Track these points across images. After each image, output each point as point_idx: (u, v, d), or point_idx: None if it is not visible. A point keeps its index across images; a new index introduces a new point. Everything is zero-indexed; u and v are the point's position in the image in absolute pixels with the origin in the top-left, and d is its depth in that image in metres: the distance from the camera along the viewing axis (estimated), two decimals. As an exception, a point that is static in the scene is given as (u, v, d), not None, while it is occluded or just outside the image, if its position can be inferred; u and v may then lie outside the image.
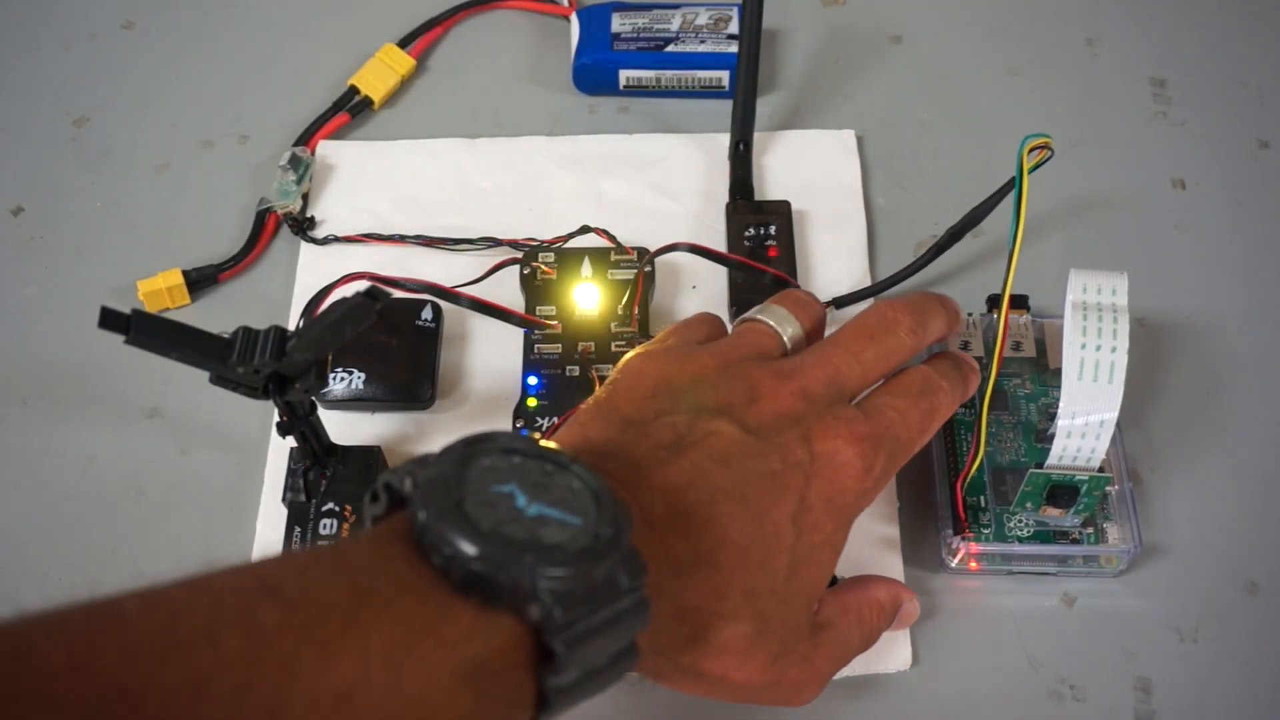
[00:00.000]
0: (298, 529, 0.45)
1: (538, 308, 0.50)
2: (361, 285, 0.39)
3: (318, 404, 0.44)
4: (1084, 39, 0.61)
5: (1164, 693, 0.43)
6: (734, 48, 0.56)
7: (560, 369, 0.49)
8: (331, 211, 0.55)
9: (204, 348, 0.39)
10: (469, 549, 0.27)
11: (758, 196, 0.55)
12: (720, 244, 0.53)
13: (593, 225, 0.52)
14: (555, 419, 0.47)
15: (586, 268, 0.51)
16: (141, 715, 0.22)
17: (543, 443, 0.31)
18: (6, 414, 0.50)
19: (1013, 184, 0.42)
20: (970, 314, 0.50)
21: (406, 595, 0.26)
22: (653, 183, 0.56)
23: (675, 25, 0.58)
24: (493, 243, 0.53)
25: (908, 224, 0.55)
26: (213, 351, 0.39)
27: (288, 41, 0.62)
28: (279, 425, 0.43)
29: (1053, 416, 0.46)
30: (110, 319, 0.37)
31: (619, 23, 0.58)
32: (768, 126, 0.57)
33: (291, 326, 0.51)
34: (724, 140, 0.56)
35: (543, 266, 0.51)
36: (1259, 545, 0.46)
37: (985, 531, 0.45)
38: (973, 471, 0.44)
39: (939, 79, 0.60)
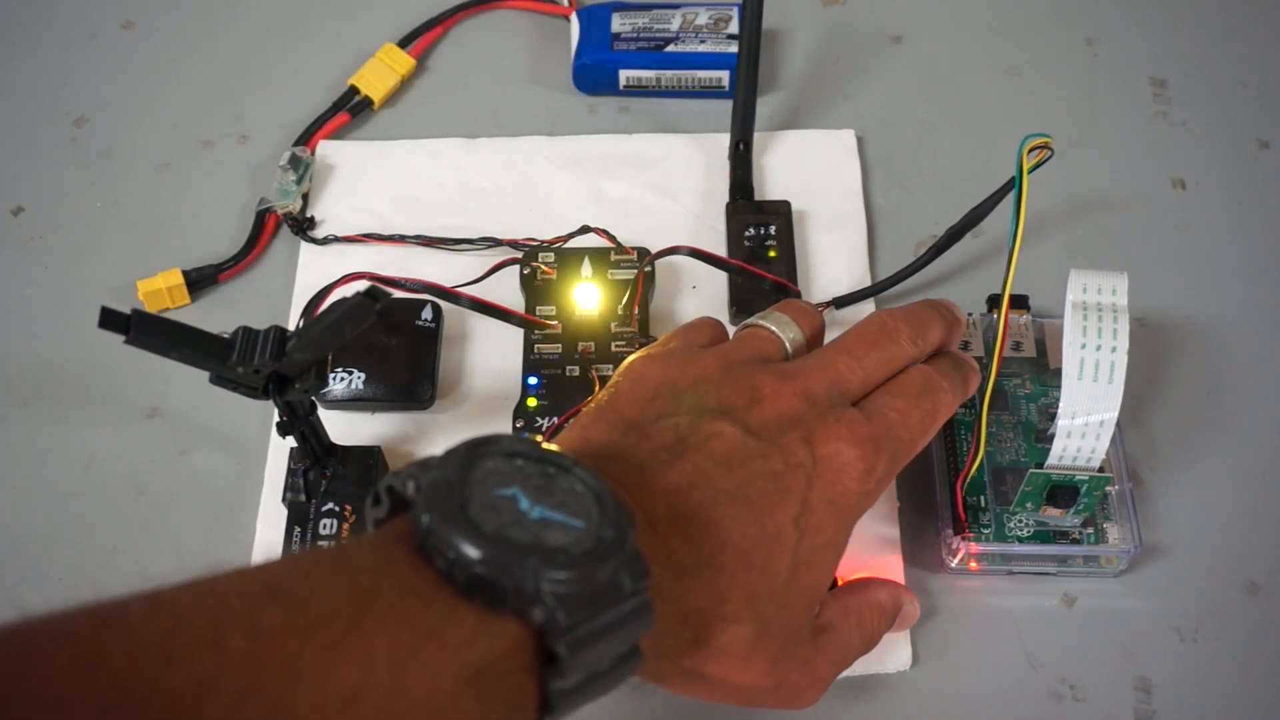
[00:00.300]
0: (298, 529, 0.45)
1: (538, 308, 0.50)
2: (361, 285, 0.39)
3: (318, 404, 0.44)
4: (1084, 39, 0.61)
5: (1164, 693, 0.43)
6: (734, 48, 0.56)
7: (560, 369, 0.49)
8: (331, 211, 0.55)
9: (204, 348, 0.39)
10: (472, 552, 0.27)
11: (758, 196, 0.55)
12: (720, 244, 0.53)
13: (593, 225, 0.52)
14: (555, 419, 0.47)
15: (586, 268, 0.51)
16: (146, 718, 0.22)
17: (545, 445, 0.31)
18: (6, 414, 0.50)
19: (1013, 184, 0.42)
20: (970, 314, 0.50)
21: (410, 598, 0.26)
22: (653, 183, 0.56)
23: (675, 25, 0.58)
24: (493, 243, 0.53)
25: (908, 224, 0.55)
26: (213, 351, 0.39)
27: (288, 41, 0.62)
28: (279, 425, 0.43)
29: (1053, 416, 0.46)
30: (110, 319, 0.37)
31: (619, 23, 0.58)
32: (768, 126, 0.57)
33: (291, 326, 0.51)
34: (724, 140, 0.56)
35: (543, 266, 0.51)
36: (1259, 545, 0.46)
37: (985, 531, 0.45)
38: (973, 471, 0.44)
39: (939, 79, 0.60)
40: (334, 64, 0.60)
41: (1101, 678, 0.44)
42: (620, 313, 0.50)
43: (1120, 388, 0.40)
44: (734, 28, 0.57)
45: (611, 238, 0.52)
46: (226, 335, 0.39)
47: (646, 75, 0.58)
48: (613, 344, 0.49)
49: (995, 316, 0.48)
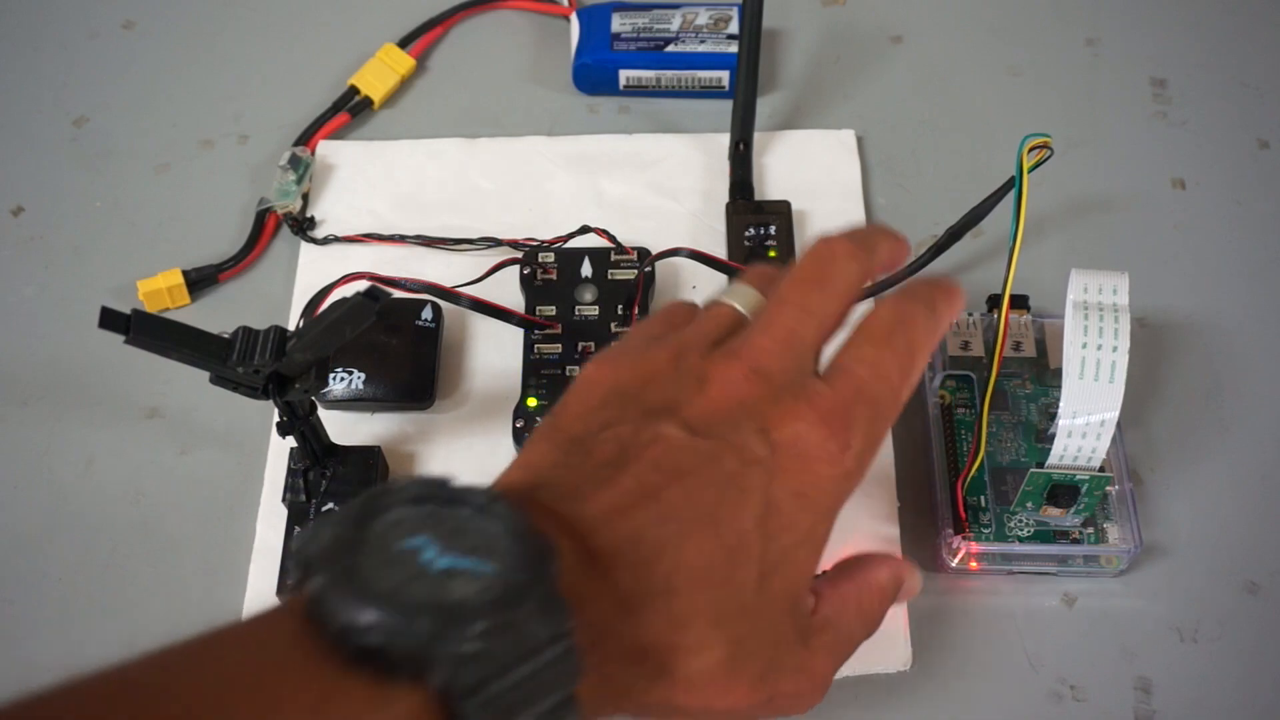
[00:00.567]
0: (297, 529, 0.45)
1: (538, 308, 0.50)
2: (361, 285, 0.39)
3: (318, 404, 0.44)
4: (1084, 39, 0.61)
5: (1164, 693, 0.43)
6: (734, 48, 0.56)
7: (560, 369, 0.49)
8: (331, 211, 0.55)
9: (204, 348, 0.39)
10: (361, 616, 0.24)
11: (758, 196, 0.55)
12: (720, 244, 0.53)
13: (593, 225, 0.52)
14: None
15: (586, 268, 0.51)
16: None
17: (458, 485, 0.28)
18: (6, 414, 0.50)
19: (1013, 184, 0.42)
20: (970, 314, 0.50)
21: (285, 677, 0.24)
22: (653, 183, 0.56)
23: (675, 25, 0.58)
24: (493, 243, 0.53)
25: (908, 224, 0.55)
26: (213, 351, 0.39)
27: (288, 41, 0.62)
28: (279, 425, 0.43)
29: (1053, 416, 0.46)
30: (110, 319, 0.37)
31: (619, 23, 0.58)
32: (768, 126, 0.57)
33: (291, 326, 0.51)
34: (724, 140, 0.56)
35: (543, 266, 0.51)
36: (1259, 545, 0.46)
37: (985, 531, 0.45)
38: (973, 471, 0.44)
39: (939, 79, 0.60)
40: (334, 64, 0.60)
41: (1101, 678, 0.44)
42: (620, 313, 0.50)
43: (1121, 387, 0.40)
44: (734, 28, 0.57)
45: (611, 238, 0.52)
46: (226, 335, 0.39)
47: (646, 75, 0.58)
48: (613, 344, 0.49)
49: (995, 316, 0.48)
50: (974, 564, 0.45)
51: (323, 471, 0.46)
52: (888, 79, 0.60)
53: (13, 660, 0.45)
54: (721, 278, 0.51)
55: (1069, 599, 0.45)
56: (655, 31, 0.58)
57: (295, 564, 0.27)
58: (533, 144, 0.57)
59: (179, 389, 0.50)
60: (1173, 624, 0.45)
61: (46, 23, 0.62)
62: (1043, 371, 0.48)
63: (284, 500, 0.46)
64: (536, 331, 0.49)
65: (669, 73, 0.58)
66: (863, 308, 0.36)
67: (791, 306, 0.34)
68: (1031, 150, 0.41)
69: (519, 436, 0.47)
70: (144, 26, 0.62)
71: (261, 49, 0.61)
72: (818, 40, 0.61)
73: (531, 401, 0.48)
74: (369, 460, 0.46)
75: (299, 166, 0.55)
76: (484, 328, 0.51)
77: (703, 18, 0.58)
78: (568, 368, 0.49)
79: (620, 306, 0.50)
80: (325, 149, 0.57)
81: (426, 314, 0.50)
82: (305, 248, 0.54)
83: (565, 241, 0.52)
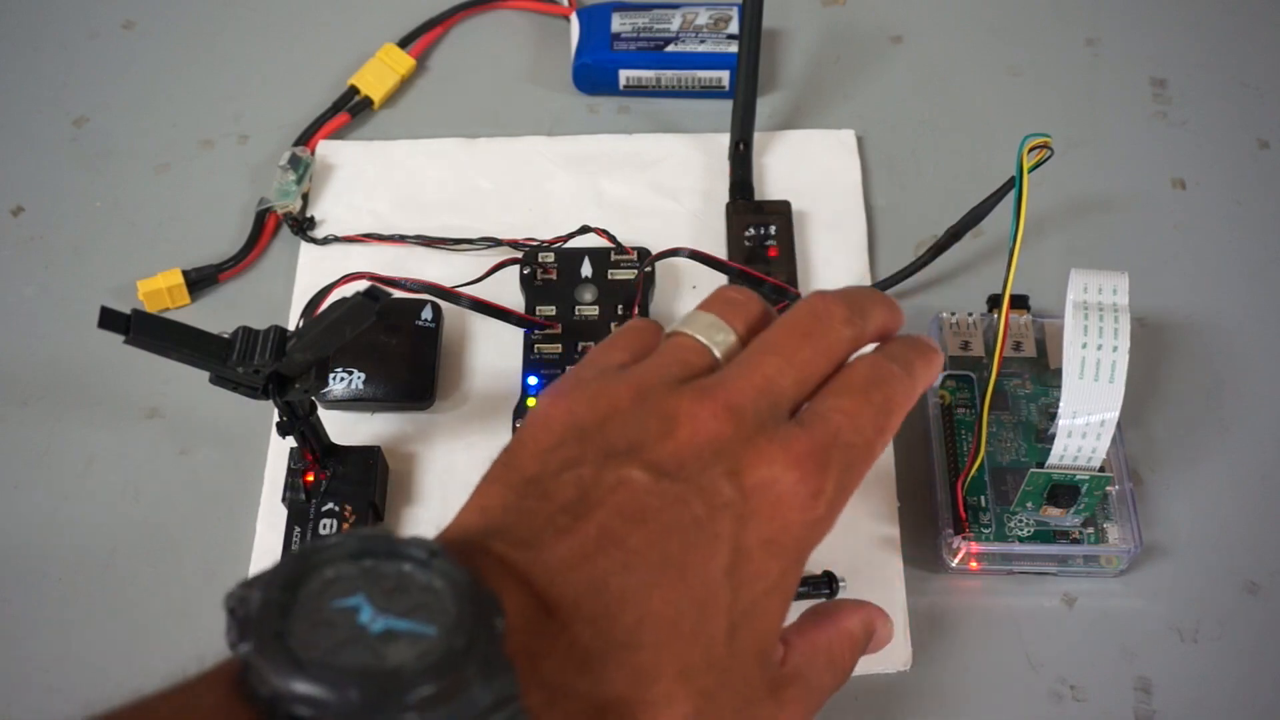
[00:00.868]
0: (297, 529, 0.45)
1: (538, 308, 0.50)
2: (361, 285, 0.39)
3: (318, 404, 0.44)
4: (1084, 39, 0.61)
5: (1164, 693, 0.43)
6: (734, 48, 0.56)
7: (560, 369, 0.49)
8: (331, 211, 0.55)
9: (204, 348, 0.39)
10: (290, 686, 0.23)
11: (758, 196, 0.55)
12: (720, 244, 0.53)
13: (593, 225, 0.52)
14: (555, 419, 0.47)
15: (586, 268, 0.51)
16: None
17: (400, 537, 0.26)
18: (6, 414, 0.50)
19: (1013, 184, 0.42)
20: (970, 314, 0.50)
21: None
22: (653, 183, 0.56)
23: (675, 25, 0.58)
24: (493, 243, 0.53)
25: (908, 224, 0.55)
26: (213, 351, 0.39)
27: (288, 41, 0.62)
28: (279, 425, 0.43)
29: (1053, 416, 0.46)
30: (110, 319, 0.37)
31: (619, 23, 0.58)
32: (768, 126, 0.57)
33: (291, 326, 0.51)
34: (724, 140, 0.56)
35: (543, 266, 0.51)
36: (1259, 545, 0.46)
37: (985, 531, 0.45)
38: (973, 471, 0.44)
39: (939, 79, 0.60)
40: (334, 64, 0.60)
41: (1101, 678, 0.44)
42: (620, 313, 0.50)
43: (1121, 387, 0.40)
44: (734, 28, 0.57)
45: (611, 238, 0.52)
46: (226, 335, 0.39)
47: (646, 75, 0.58)
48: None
49: (995, 316, 0.48)
50: (974, 564, 0.45)
51: (323, 471, 0.46)
52: (888, 79, 0.60)
53: (13, 660, 0.45)
54: (722, 277, 0.51)
55: (1069, 599, 0.45)
56: (655, 31, 0.58)
57: (229, 623, 0.26)
58: (533, 144, 0.57)
59: (179, 389, 0.50)
60: (1173, 624, 0.45)
61: (46, 23, 0.62)
62: (1043, 371, 0.48)
63: (284, 500, 0.46)
64: (536, 331, 0.49)
65: (669, 73, 0.58)
66: None
67: (776, 356, 0.33)
68: (1031, 150, 0.41)
69: (519, 436, 0.47)
70: (144, 26, 0.62)
71: (261, 49, 0.61)
72: (818, 40, 0.61)
73: (531, 402, 0.48)
74: (369, 460, 0.46)
75: (299, 166, 0.55)
76: (484, 328, 0.51)
77: (703, 18, 0.58)
78: (567, 368, 0.49)
79: (620, 306, 0.50)
80: (325, 149, 0.57)
81: (426, 314, 0.50)
82: (305, 248, 0.54)
83: (565, 241, 0.52)
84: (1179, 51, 0.60)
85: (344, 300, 0.38)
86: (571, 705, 0.27)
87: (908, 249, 0.54)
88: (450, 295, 0.48)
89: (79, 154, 0.58)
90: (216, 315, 0.52)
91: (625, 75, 0.58)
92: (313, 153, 0.57)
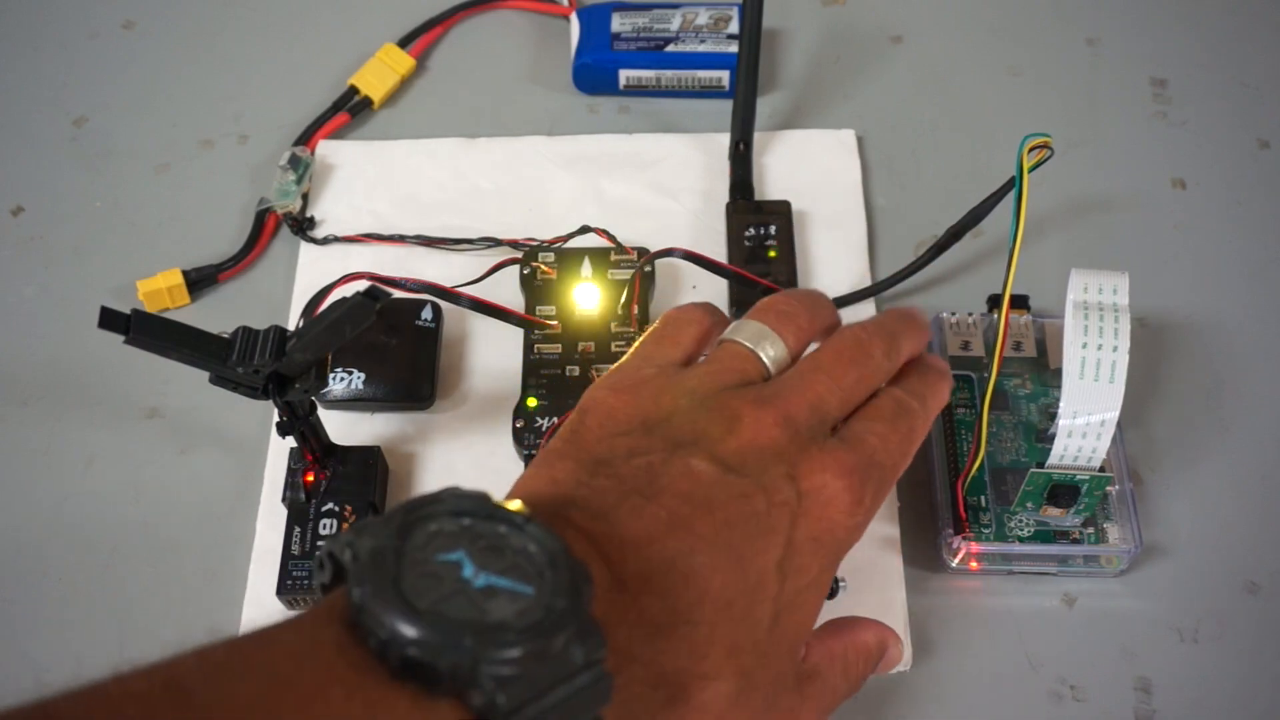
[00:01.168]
0: (298, 529, 0.45)
1: (538, 308, 0.50)
2: (361, 285, 0.39)
3: (318, 404, 0.44)
4: (1084, 39, 0.61)
5: (1164, 693, 0.43)
6: (734, 48, 0.56)
7: (560, 369, 0.49)
8: (331, 211, 0.55)
9: (204, 348, 0.39)
10: (406, 631, 0.24)
11: (758, 196, 0.55)
12: (720, 244, 0.53)
13: (593, 225, 0.52)
14: (555, 419, 0.47)
15: (586, 268, 0.51)
16: None
17: (495, 501, 0.28)
18: (6, 414, 0.50)
19: (1013, 184, 0.42)
20: (970, 314, 0.50)
21: (333, 687, 0.24)
22: (653, 183, 0.56)
23: (675, 25, 0.58)
24: (493, 243, 0.53)
25: (908, 224, 0.55)
26: (213, 351, 0.39)
27: (288, 41, 0.62)
28: (279, 425, 0.43)
29: (1053, 416, 0.46)
30: (110, 319, 0.37)
31: (619, 22, 0.58)
32: (768, 126, 0.57)
33: (291, 326, 0.51)
34: (724, 140, 0.56)
35: (543, 266, 0.51)
36: (1259, 545, 0.46)
37: (986, 531, 0.45)
38: (973, 471, 0.44)
39: (939, 79, 0.60)
40: (334, 64, 0.60)
41: (1101, 678, 0.44)
42: (620, 313, 0.50)
43: (1121, 387, 0.40)
44: (734, 28, 0.57)
45: (611, 238, 0.52)
46: (226, 335, 0.39)
47: (646, 75, 0.58)
48: (613, 344, 0.49)
49: (995, 316, 0.48)
50: (974, 564, 0.45)
51: (323, 471, 0.46)
52: (888, 79, 0.60)
53: (13, 660, 0.45)
54: (721, 279, 0.51)
55: (1069, 599, 0.45)
56: (655, 31, 0.58)
57: (326, 563, 0.28)
58: (533, 144, 0.57)
59: (179, 389, 0.50)
60: (1173, 624, 0.45)
61: (46, 23, 0.62)
62: (1043, 371, 0.48)
63: (284, 500, 0.46)
64: (536, 331, 0.49)
65: (669, 73, 0.58)
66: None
67: (826, 376, 0.36)
68: (1031, 150, 0.41)
69: (519, 437, 0.47)
70: (144, 26, 0.62)
71: (261, 49, 0.61)
72: (818, 40, 0.61)
73: (531, 401, 0.48)
74: (369, 460, 0.46)
75: (299, 166, 0.55)
76: (484, 328, 0.51)
77: (703, 18, 0.58)
78: (567, 368, 0.49)
79: (620, 306, 0.50)
80: (325, 149, 0.57)
81: (426, 314, 0.50)
82: (305, 248, 0.54)
83: (565, 241, 0.52)
84: (1179, 51, 0.60)
85: (344, 300, 0.38)
86: (636, 670, 0.30)
87: (908, 249, 0.54)
88: (450, 295, 0.48)
89: (79, 154, 0.58)
90: (216, 315, 0.52)
91: (625, 75, 0.58)
92: (313, 153, 0.57)
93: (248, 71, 0.60)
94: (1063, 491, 0.43)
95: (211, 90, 0.60)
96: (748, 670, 0.32)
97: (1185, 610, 0.45)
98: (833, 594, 0.43)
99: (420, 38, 0.61)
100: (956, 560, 0.45)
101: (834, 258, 0.53)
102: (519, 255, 0.52)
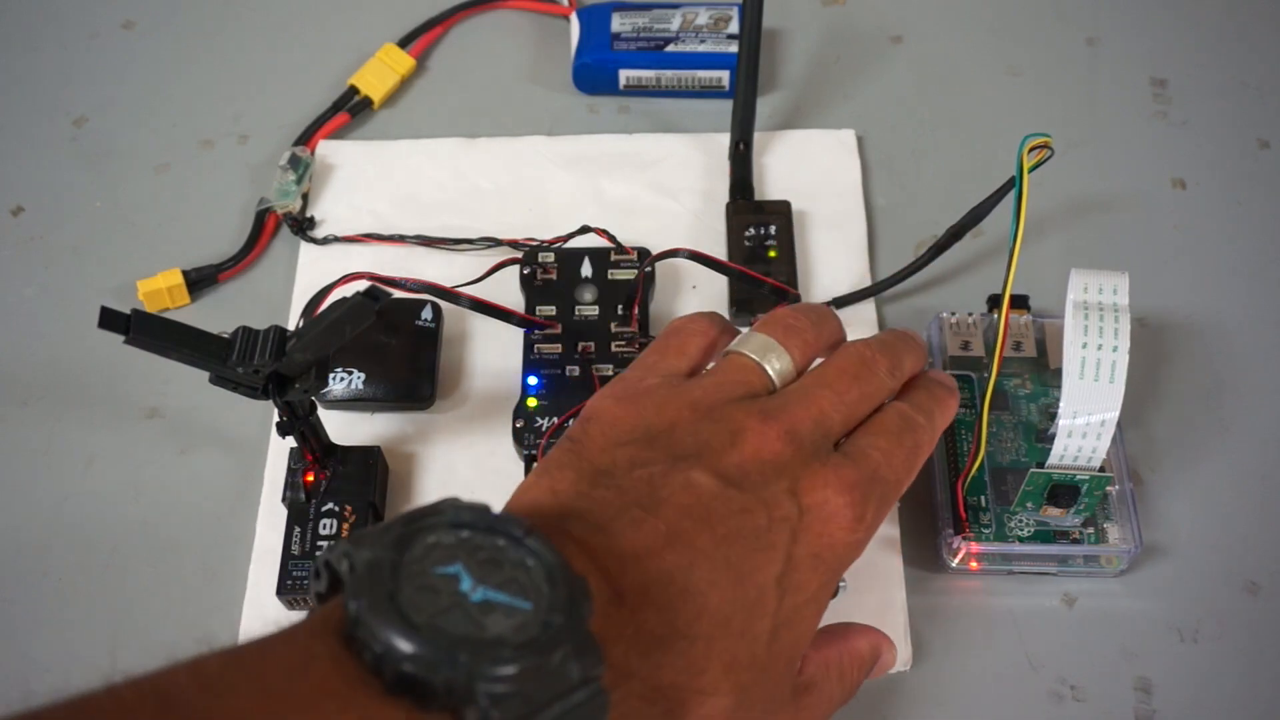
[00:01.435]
0: (297, 529, 0.45)
1: (538, 308, 0.50)
2: (361, 285, 0.39)
3: (318, 404, 0.44)
4: (1084, 39, 0.61)
5: (1164, 693, 0.43)
6: (734, 48, 0.56)
7: (560, 369, 0.49)
8: (331, 211, 0.55)
9: (204, 348, 0.39)
10: (401, 646, 0.24)
11: (758, 196, 0.55)
12: (720, 244, 0.53)
13: (593, 225, 0.52)
14: (555, 419, 0.47)
15: (586, 268, 0.51)
16: None
17: (494, 512, 0.28)
18: (6, 414, 0.50)
19: (1013, 183, 0.42)
20: (970, 314, 0.50)
21: (327, 701, 0.24)
22: (653, 183, 0.56)
23: (675, 25, 0.58)
24: (493, 243, 0.53)
25: (908, 224, 0.55)
26: (213, 351, 0.39)
27: (288, 41, 0.62)
28: (279, 425, 0.43)
29: (1053, 416, 0.46)
30: (110, 319, 0.37)
31: (619, 22, 0.58)
32: (768, 126, 0.57)
33: (291, 326, 0.51)
34: (724, 140, 0.56)
35: (543, 266, 0.51)
36: (1259, 545, 0.46)
37: (986, 531, 0.45)
38: (973, 471, 0.44)
39: (939, 79, 0.60)
40: (334, 64, 0.60)
41: (1101, 678, 0.44)
42: (620, 313, 0.50)
43: (1121, 387, 0.40)
44: (734, 28, 0.57)
45: (611, 238, 0.52)
46: (226, 335, 0.39)
47: (646, 75, 0.58)
48: (613, 344, 0.49)
49: (995, 316, 0.48)
50: (974, 564, 0.45)
51: (323, 471, 0.46)
52: (888, 79, 0.60)
53: (13, 660, 0.44)
54: (722, 277, 0.51)
55: (1069, 599, 0.45)
56: (655, 31, 0.58)
57: (323, 572, 0.27)
58: (533, 144, 0.57)
59: (179, 389, 0.50)
60: (1173, 624, 0.45)
61: (46, 23, 0.62)
62: (1043, 371, 0.48)
63: (284, 500, 0.46)
64: (536, 331, 0.49)
65: (669, 72, 0.58)
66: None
67: (831, 391, 0.36)
68: (1032, 150, 0.41)
69: (519, 437, 0.47)
70: (144, 26, 0.62)
71: (261, 49, 0.61)
72: (818, 40, 0.61)
73: (531, 402, 0.48)
74: (369, 460, 0.46)
75: (299, 166, 0.55)
76: (484, 328, 0.51)
77: (703, 17, 0.58)
78: (567, 368, 0.49)
79: (620, 306, 0.50)
80: (325, 149, 0.57)
81: (426, 314, 0.50)
82: (305, 248, 0.54)
83: (565, 241, 0.52)
84: (1179, 51, 0.60)
85: (344, 300, 0.38)
86: (633, 685, 0.29)
87: (908, 249, 0.54)
88: (450, 295, 0.48)
89: (79, 154, 0.58)
90: (216, 315, 0.52)
91: (625, 75, 0.58)
92: (313, 153, 0.57)
93: (248, 71, 0.60)
94: (1063, 491, 0.43)
95: (211, 90, 0.60)
96: (745, 685, 0.32)
97: (1185, 610, 0.45)
98: (834, 595, 0.43)
99: (420, 38, 0.61)
100: (956, 560, 0.45)
101: (834, 258, 0.53)
102: (519, 255, 0.52)
